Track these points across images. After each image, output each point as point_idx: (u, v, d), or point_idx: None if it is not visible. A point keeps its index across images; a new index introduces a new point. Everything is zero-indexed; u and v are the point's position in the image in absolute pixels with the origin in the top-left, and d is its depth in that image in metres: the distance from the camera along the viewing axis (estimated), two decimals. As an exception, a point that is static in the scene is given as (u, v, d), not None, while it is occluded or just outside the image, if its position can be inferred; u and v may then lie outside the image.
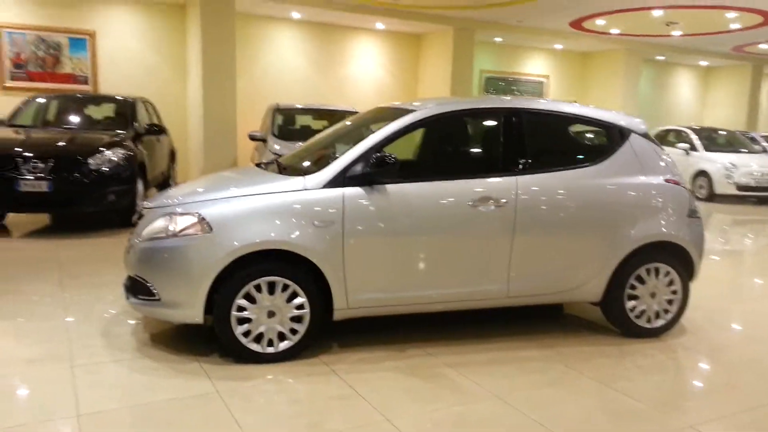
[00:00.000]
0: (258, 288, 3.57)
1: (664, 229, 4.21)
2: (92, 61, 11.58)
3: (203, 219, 3.53)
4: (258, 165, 4.29)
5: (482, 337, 4.19)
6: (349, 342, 3.99)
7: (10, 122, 8.21)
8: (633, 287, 4.23)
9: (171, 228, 3.58)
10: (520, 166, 4.01)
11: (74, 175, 7.08)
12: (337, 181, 3.69)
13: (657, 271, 4.26)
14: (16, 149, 7.05)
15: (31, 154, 6.98)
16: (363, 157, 3.74)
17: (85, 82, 11.56)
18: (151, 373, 3.46)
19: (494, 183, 3.93)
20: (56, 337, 3.93)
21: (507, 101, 4.22)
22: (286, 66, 13.21)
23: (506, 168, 4.01)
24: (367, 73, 14.15)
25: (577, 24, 13.86)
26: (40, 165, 6.95)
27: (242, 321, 3.58)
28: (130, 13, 11.72)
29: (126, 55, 11.78)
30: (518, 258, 3.97)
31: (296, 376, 3.50)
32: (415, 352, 3.90)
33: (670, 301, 4.33)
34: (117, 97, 9.19)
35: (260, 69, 12.96)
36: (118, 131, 8.13)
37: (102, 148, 7.37)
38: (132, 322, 4.23)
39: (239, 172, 4.25)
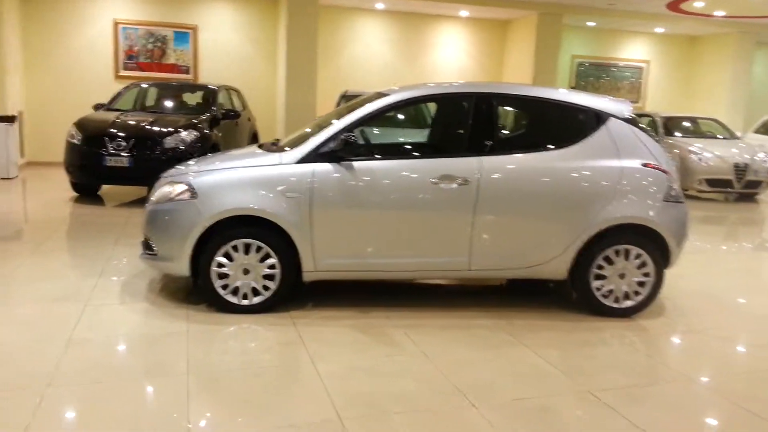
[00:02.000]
0: (235, 248, 4.13)
1: (633, 212, 4.27)
2: (194, 53, 12.80)
3: (191, 186, 4.14)
4: (260, 146, 4.83)
5: (448, 307, 4.49)
6: (324, 303, 4.46)
7: (108, 106, 9.43)
8: (600, 267, 4.33)
9: (169, 194, 4.23)
10: (486, 148, 4.25)
11: (151, 152, 8.08)
12: (309, 157, 4.15)
13: (627, 253, 4.33)
14: (105, 129, 8.17)
15: (116, 134, 8.07)
16: (334, 137, 4.16)
17: (187, 72, 12.81)
18: (143, 314, 4.14)
19: (458, 162, 4.21)
20: (87, 283, 4.74)
21: (479, 86, 4.45)
22: (370, 55, 13.77)
23: (472, 149, 4.26)
24: (451, 60, 14.37)
25: (674, 6, 13.20)
26: (123, 143, 8.02)
27: (222, 276, 4.15)
28: (229, 8, 12.80)
29: (223, 47, 12.89)
30: (480, 234, 4.22)
31: (260, 324, 4.02)
32: (377, 314, 4.29)
33: (641, 284, 4.38)
34: (201, 85, 10.19)
35: (345, 58, 13.62)
36: (197, 115, 9.08)
37: (178, 130, 8.31)
38: (153, 276, 4.96)
39: (242, 150, 4.82)
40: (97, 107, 9.57)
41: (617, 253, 4.33)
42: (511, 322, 4.24)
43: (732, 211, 10.03)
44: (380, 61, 13.85)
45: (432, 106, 4.60)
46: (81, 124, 8.47)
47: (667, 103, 16.23)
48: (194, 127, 8.57)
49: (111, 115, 8.75)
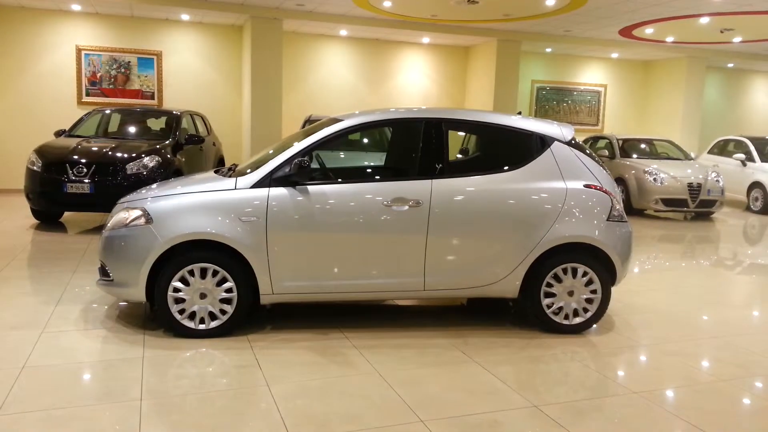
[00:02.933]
0: (192, 273, 4.17)
1: (578, 231, 4.44)
2: (158, 78, 12.83)
3: (146, 212, 4.19)
4: (217, 171, 4.90)
5: (406, 327, 4.59)
6: (283, 325, 4.52)
7: (69, 133, 9.40)
8: (550, 285, 4.48)
9: (124, 220, 4.27)
10: (437, 171, 4.39)
11: (113, 178, 8.07)
12: (264, 182, 4.24)
13: (575, 271, 4.49)
14: (66, 156, 8.14)
15: (77, 160, 8.05)
16: (288, 161, 4.27)
17: (152, 97, 12.83)
18: (100, 341, 4.14)
19: (409, 185, 4.34)
20: (44, 310, 4.71)
21: (429, 112, 4.60)
22: (335, 80, 13.97)
23: (423, 172, 4.41)
24: (415, 85, 14.65)
25: (626, 32, 13.71)
26: (84, 170, 8.00)
27: (178, 301, 4.19)
28: (193, 34, 12.89)
29: (188, 73, 12.95)
30: (433, 254, 4.34)
31: (217, 348, 4.06)
32: (335, 335, 4.36)
33: (589, 300, 4.54)
34: (164, 110, 10.22)
35: (309, 83, 13.79)
36: (160, 141, 9.10)
37: (140, 156, 8.32)
38: (111, 302, 4.95)
39: (199, 176, 4.89)
40: (59, 133, 9.53)
41: (565, 271, 4.49)
42: (466, 340, 4.36)
43: (688, 230, 10.37)
44: (345, 86, 14.06)
45: (382, 131, 4.73)
46: (41, 151, 8.43)
47: (623, 125, 16.75)
48: (157, 152, 8.59)
49: (72, 142, 8.72)
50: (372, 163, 4.65)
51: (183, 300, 4.19)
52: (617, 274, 4.59)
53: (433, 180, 4.36)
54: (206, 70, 13.07)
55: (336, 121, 4.54)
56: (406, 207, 4.28)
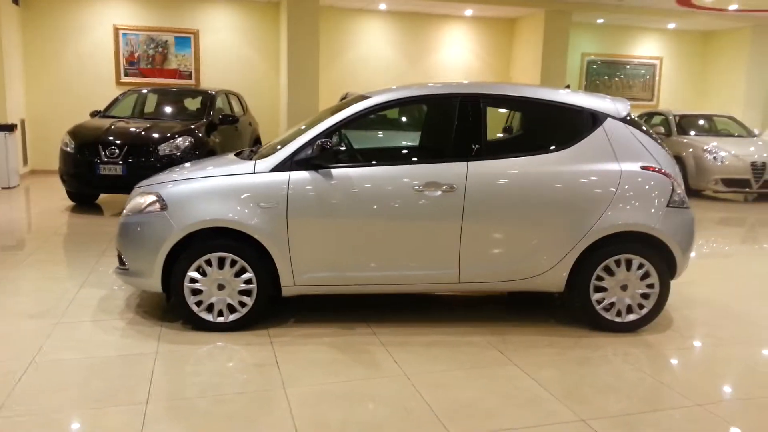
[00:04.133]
0: (209, 262, 3.90)
1: (633, 219, 3.97)
2: (195, 57, 12.65)
3: (161, 198, 3.92)
4: (238, 153, 4.58)
5: (439, 322, 4.22)
6: (307, 319, 4.21)
7: (104, 113, 9.29)
8: (600, 278, 4.04)
9: (140, 206, 4.01)
10: (473, 152, 3.98)
11: (145, 159, 7.90)
12: (285, 165, 3.91)
13: (629, 263, 4.03)
14: (99, 137, 8.01)
15: (109, 141, 7.92)
16: (310, 143, 3.92)
17: (189, 77, 12.67)
18: (115, 333, 3.92)
19: (442, 168, 3.94)
20: (63, 297, 4.54)
21: (466, 87, 4.17)
22: (373, 56, 13.54)
23: (458, 154, 4.00)
24: (457, 60, 14.10)
25: (685, 1, 12.82)
26: (116, 151, 7.86)
27: (195, 292, 3.92)
28: (230, 12, 12.64)
29: (225, 51, 12.73)
30: (468, 244, 3.95)
31: (235, 343, 3.78)
32: (361, 330, 4.04)
33: (645, 296, 4.08)
34: (199, 90, 10.03)
35: (347, 60, 13.40)
36: (194, 121, 8.90)
37: (173, 136, 8.13)
38: (133, 290, 4.75)
39: (218, 159, 4.59)
40: (94, 114, 9.45)
41: (618, 263, 4.03)
42: (504, 338, 3.97)
43: (750, 212, 9.64)
44: (384, 62, 13.62)
45: (421, 109, 4.33)
46: (74, 132, 8.33)
47: (680, 100, 15.81)
48: (190, 133, 8.39)
49: (105, 123, 8.60)
50: (404, 144, 4.27)
51: (200, 291, 3.92)
52: (677, 266, 4.11)
53: (469, 162, 3.95)
54: (243, 48, 12.82)
55: (364, 98, 4.16)
56: (439, 192, 3.90)
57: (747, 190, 10.56)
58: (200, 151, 8.31)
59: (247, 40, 12.81)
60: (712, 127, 12.00)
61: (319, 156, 3.85)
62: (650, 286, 4.07)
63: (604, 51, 15.24)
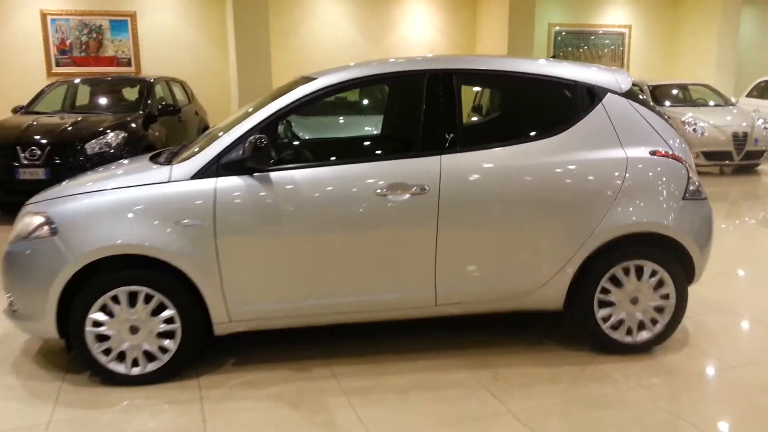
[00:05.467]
0: (116, 299, 3.05)
1: (644, 217, 3.24)
2: (134, 43, 11.56)
3: (50, 219, 3.04)
4: (154, 156, 3.68)
5: (413, 351, 3.45)
6: (251, 357, 3.40)
7: (27, 109, 8.24)
8: (606, 291, 3.31)
9: (26, 229, 3.13)
10: (447, 143, 3.18)
11: (71, 160, 6.93)
12: (209, 170, 3.06)
13: (640, 270, 3.31)
14: (16, 137, 7.00)
15: (29, 141, 6.91)
16: (240, 141, 3.08)
17: (128, 64, 11.58)
18: (3, 396, 3.05)
19: (410, 165, 3.14)
20: (-55, 346, 3.63)
21: (433, 61, 3.36)
22: (330, 34, 12.59)
23: (429, 146, 3.20)
24: (420, 36, 13.24)
25: (655, -36, 12.15)
26: (38, 152, 6.86)
27: (101, 338, 3.08)
28: (169, -10, 11.55)
29: (167, 35, 11.66)
30: (446, 258, 3.18)
31: (153, 404, 2.95)
32: (319, 372, 3.24)
33: (659, 309, 3.37)
34: (135, 78, 9.03)
35: (301, 39, 12.43)
36: (129, 113, 7.93)
37: (103, 132, 7.17)
38: (36, 327, 3.86)
39: (128, 164, 3.69)
40: (16, 110, 8.39)
41: (626, 271, 3.31)
42: (495, 373, 3.21)
43: (732, 186, 9.08)
44: (342, 40, 12.68)
45: (370, 92, 3.50)
46: (-11, 133, 7.28)
47: (651, 69, 15.23)
48: (122, 127, 7.43)
49: (26, 120, 7.56)
50: (361, 136, 3.48)
51: (107, 337, 3.07)
52: (695, 270, 3.41)
53: (443, 156, 3.16)
54: (187, 30, 11.76)
55: (308, 80, 3.32)
56: (407, 195, 3.10)
57: (728, 162, 10.01)
58: (136, 147, 7.36)
59: (191, 22, 11.76)
60: (687, 97, 11.39)
61: (253, 157, 3.00)
62: (665, 296, 3.36)
63: (571, 21, 14.55)
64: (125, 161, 3.81)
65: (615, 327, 3.36)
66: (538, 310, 3.41)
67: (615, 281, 3.31)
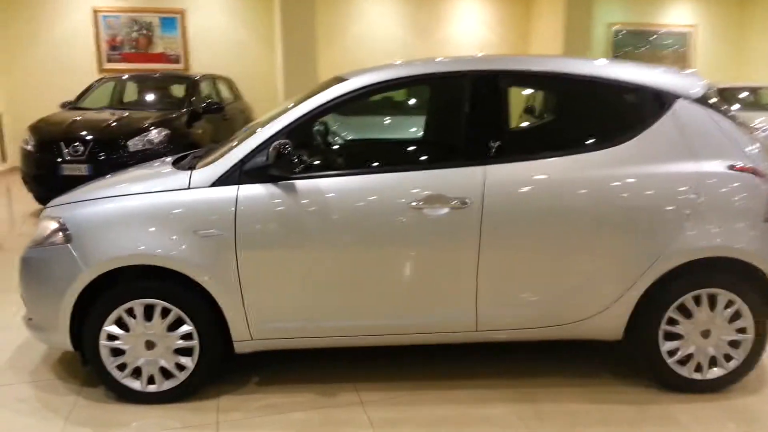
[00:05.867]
0: (131, 312, 2.84)
1: (720, 240, 2.84)
2: (183, 40, 11.53)
3: (63, 225, 2.86)
4: (178, 160, 3.44)
5: (449, 377, 3.14)
6: (276, 377, 3.16)
7: (74, 104, 8.27)
8: (673, 321, 2.93)
9: (42, 235, 2.96)
10: (492, 152, 2.86)
11: (113, 156, 6.87)
12: (231, 177, 2.82)
13: (713, 299, 2.91)
14: (61, 133, 6.99)
15: (73, 138, 6.89)
16: (263, 146, 2.83)
17: (177, 61, 11.56)
18: (13, 406, 2.90)
19: (450, 176, 2.83)
20: (-34, 350, 3.52)
21: (479, 62, 3.03)
22: (377, 33, 12.33)
23: (471, 154, 2.88)
24: (470, 35, 12.84)
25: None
26: (81, 148, 6.83)
27: (116, 352, 2.88)
28: (219, -12, 11.51)
29: (215, 33, 11.60)
30: (488, 279, 2.85)
31: (166, 425, 2.74)
32: (345, 398, 2.97)
33: (734, 343, 2.96)
34: (181, 75, 8.98)
35: (348, 37, 12.21)
36: (174, 110, 7.86)
37: (146, 129, 7.10)
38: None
39: (147, 168, 3.47)
40: (64, 106, 8.43)
41: (698, 300, 2.91)
42: (538, 407, 2.87)
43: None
44: (389, 39, 12.40)
45: (407, 95, 3.21)
46: (35, 128, 7.33)
47: (718, 71, 14.38)
48: (165, 124, 7.34)
49: (72, 115, 7.56)
50: (397, 142, 3.20)
51: (122, 351, 2.88)
52: (778, 301, 2.98)
53: (488, 166, 2.83)
54: (236, 29, 11.68)
55: (341, 80, 3.05)
56: (446, 209, 2.79)
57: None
58: (178, 145, 7.25)
59: (239, 20, 11.68)
60: (758, 101, 10.69)
61: (276, 164, 2.75)
62: (741, 330, 2.95)
63: (631, 20, 13.86)
64: (148, 165, 3.60)
65: (682, 362, 2.97)
66: (594, 339, 3.05)
67: (684, 311, 2.92)
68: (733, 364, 2.98)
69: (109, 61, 11.31)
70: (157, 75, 9.52)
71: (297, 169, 2.83)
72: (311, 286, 2.84)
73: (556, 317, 2.93)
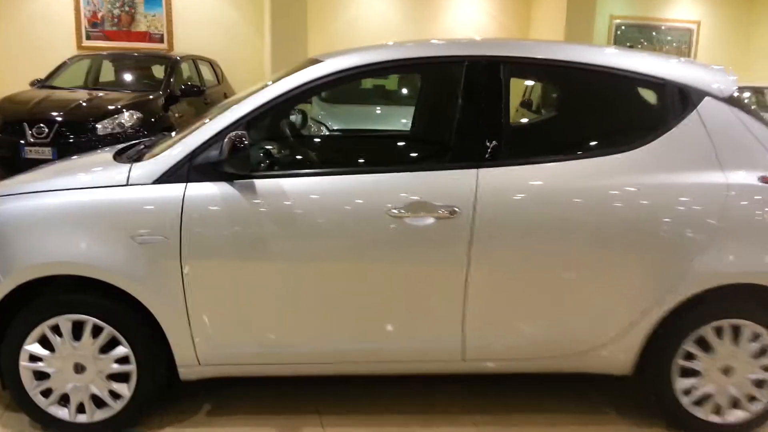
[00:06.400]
0: (57, 330, 2.41)
1: (748, 263, 2.44)
2: (167, 18, 11.01)
3: (-21, 226, 2.42)
4: (120, 151, 2.96)
5: (427, 406, 2.73)
6: (229, 403, 2.74)
7: (44, 83, 7.78)
8: (690, 356, 2.52)
9: (-43, 235, 2.51)
10: (488, 153, 2.43)
11: (81, 140, 6.40)
12: (179, 173, 2.38)
13: (736, 331, 2.51)
14: (25, 112, 6.51)
15: (38, 118, 6.40)
16: (216, 138, 2.39)
17: (161, 41, 11.03)
18: None
19: (438, 180, 2.41)
20: None
21: (477, 45, 2.60)
22: (371, 18, 11.84)
23: (462, 155, 2.45)
24: (468, 22, 12.37)
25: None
26: (45, 129, 6.34)
27: (40, 375, 2.45)
28: (207, -35, 10.97)
29: (202, 12, 11.08)
30: (478, 301, 2.44)
31: (92, 468, 2.32)
32: (305, 418, 2.55)
33: (760, 383, 2.56)
34: (160, 55, 8.48)
35: (340, 22, 11.71)
36: (149, 92, 7.38)
37: (117, 111, 6.62)
38: None
39: (86, 158, 2.98)
40: (33, 84, 7.94)
41: (719, 332, 2.51)
42: (533, 454, 2.47)
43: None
44: (382, 24, 11.90)
45: (390, 82, 2.78)
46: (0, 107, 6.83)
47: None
48: (138, 106, 6.87)
49: (39, 94, 7.07)
50: (381, 136, 2.77)
51: (47, 375, 2.44)
52: (810, 335, 2.58)
53: (481, 169, 2.41)
54: (224, 9, 11.16)
55: (315, 62, 2.60)
56: (431, 219, 2.36)
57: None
58: (152, 129, 6.79)
59: (228, 0, 11.16)
60: (763, 101, 10.32)
61: (230, 159, 2.30)
62: (767, 368, 2.55)
63: (634, 13, 13.43)
64: (86, 155, 3.12)
65: (699, 402, 2.57)
66: (600, 373, 2.64)
67: (703, 344, 2.52)
68: (757, 407, 2.58)
69: (89, 38, 10.77)
70: (136, 54, 9.02)
71: (260, 166, 2.39)
72: (271, 304, 2.42)
73: (555, 347, 2.52)
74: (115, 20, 10.85)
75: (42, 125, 6.35)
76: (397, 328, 2.47)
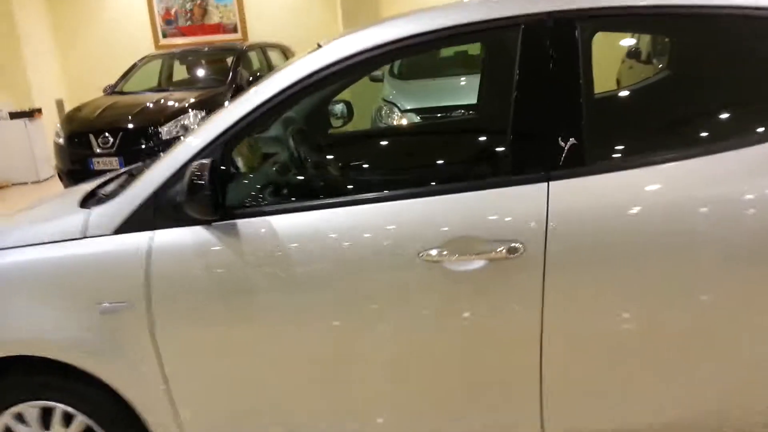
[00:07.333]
0: (21, 418, 1.94)
1: None
2: (239, 8, 10.70)
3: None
4: (103, 184, 2.38)
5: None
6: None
7: (114, 88, 7.62)
8: None
9: None
10: (562, 157, 1.66)
11: (145, 147, 6.15)
12: (143, 218, 1.80)
13: None
14: (89, 123, 6.34)
15: (102, 128, 6.21)
16: (182, 170, 1.79)
17: (234, 31, 10.77)
18: None
19: (486, 203, 1.67)
20: None
21: (538, 1, 1.79)
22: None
23: (523, 162, 1.69)
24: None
25: None
26: (110, 139, 6.14)
27: (10, 471, 2.01)
28: (275, -53, 10.51)
29: (274, -2, 10.67)
30: (559, 364, 1.70)
31: None
32: None
33: None
34: (226, 47, 8.11)
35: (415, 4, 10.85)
36: (215, 88, 7.04)
37: (180, 112, 6.32)
38: None
39: (50, 201, 2.41)
40: (106, 90, 7.83)
41: None
42: None
43: None
44: None
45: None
46: (67, 118, 6.72)
47: None
48: (203, 105, 6.52)
49: (105, 102, 6.90)
50: (381, 153, 2.04)
51: (15, 471, 2.00)
52: None
53: (552, 182, 1.64)
54: (296, -7, 10.68)
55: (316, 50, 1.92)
56: (482, 262, 1.64)
57: None
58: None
59: (301, -16, 10.66)
60: None
61: (190, 201, 1.67)
62: None
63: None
64: (52, 197, 2.57)
65: None
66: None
67: None
68: None
69: (165, 36, 10.69)
70: (206, 49, 8.71)
71: (246, 201, 1.77)
72: (270, 377, 1.81)
73: (686, 417, 1.73)
74: (188, 15, 10.68)
75: (107, 134, 6.17)
76: (446, 403, 1.78)
